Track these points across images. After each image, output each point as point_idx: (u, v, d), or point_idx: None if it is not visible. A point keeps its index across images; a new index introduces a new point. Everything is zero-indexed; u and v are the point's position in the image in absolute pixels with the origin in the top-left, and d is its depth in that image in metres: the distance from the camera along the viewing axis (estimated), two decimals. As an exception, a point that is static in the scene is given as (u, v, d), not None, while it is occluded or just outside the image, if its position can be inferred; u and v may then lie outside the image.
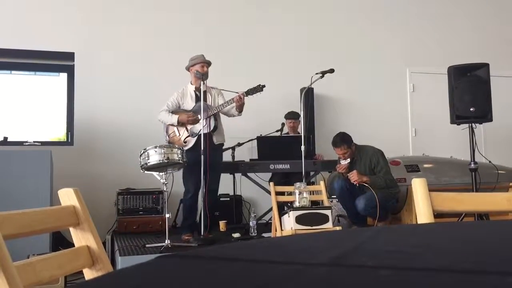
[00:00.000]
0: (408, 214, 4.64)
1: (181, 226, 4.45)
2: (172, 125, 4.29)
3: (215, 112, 4.27)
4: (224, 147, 5.18)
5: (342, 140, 4.37)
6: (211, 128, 4.23)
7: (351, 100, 6.41)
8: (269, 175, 5.29)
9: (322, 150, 5.67)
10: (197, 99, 4.32)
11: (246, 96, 4.29)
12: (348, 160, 4.32)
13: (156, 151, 3.71)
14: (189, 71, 4.40)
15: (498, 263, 0.59)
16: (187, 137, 4.26)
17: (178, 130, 4.29)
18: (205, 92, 4.33)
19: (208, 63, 4.36)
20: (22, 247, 3.20)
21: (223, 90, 4.41)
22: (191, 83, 4.41)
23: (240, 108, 4.27)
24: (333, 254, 0.66)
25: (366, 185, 4.13)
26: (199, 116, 4.19)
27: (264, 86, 4.29)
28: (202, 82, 4.11)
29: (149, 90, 5.54)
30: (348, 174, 4.22)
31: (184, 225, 4.33)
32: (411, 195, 4.44)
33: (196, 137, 4.23)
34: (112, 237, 4.62)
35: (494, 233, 0.89)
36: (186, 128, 4.27)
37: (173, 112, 4.30)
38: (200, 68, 4.28)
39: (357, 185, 4.16)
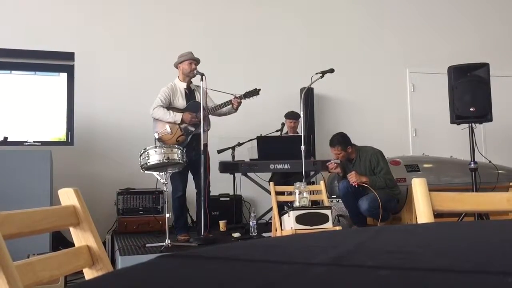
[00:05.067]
0: (408, 214, 4.64)
1: (174, 226, 4.27)
2: (169, 122, 4.16)
3: (213, 112, 4.26)
4: (224, 147, 5.21)
5: (339, 141, 4.38)
6: (208, 128, 4.22)
7: (351, 100, 6.41)
8: (269, 175, 5.28)
9: (322, 150, 5.68)
10: (187, 97, 4.30)
11: (244, 99, 4.29)
12: (338, 161, 4.35)
13: (156, 151, 3.71)
14: (177, 68, 4.35)
15: (498, 263, 0.59)
16: (180, 136, 4.19)
17: (170, 128, 4.18)
18: (194, 90, 4.34)
19: (197, 61, 4.29)
20: (22, 247, 3.20)
21: (212, 89, 4.23)
22: (179, 80, 4.34)
23: (237, 109, 4.34)
24: (333, 254, 0.66)
25: (366, 185, 4.12)
26: (196, 115, 4.16)
27: (260, 89, 4.36)
28: (201, 80, 4.03)
29: (149, 90, 5.53)
30: (347, 176, 4.22)
31: (178, 225, 4.23)
32: (411, 195, 4.43)
33: (190, 136, 4.22)
34: (112, 237, 4.63)
35: (494, 233, 0.89)
36: (180, 127, 4.21)
37: (168, 109, 4.19)
38: (188, 65, 4.24)
39: (357, 186, 4.16)
